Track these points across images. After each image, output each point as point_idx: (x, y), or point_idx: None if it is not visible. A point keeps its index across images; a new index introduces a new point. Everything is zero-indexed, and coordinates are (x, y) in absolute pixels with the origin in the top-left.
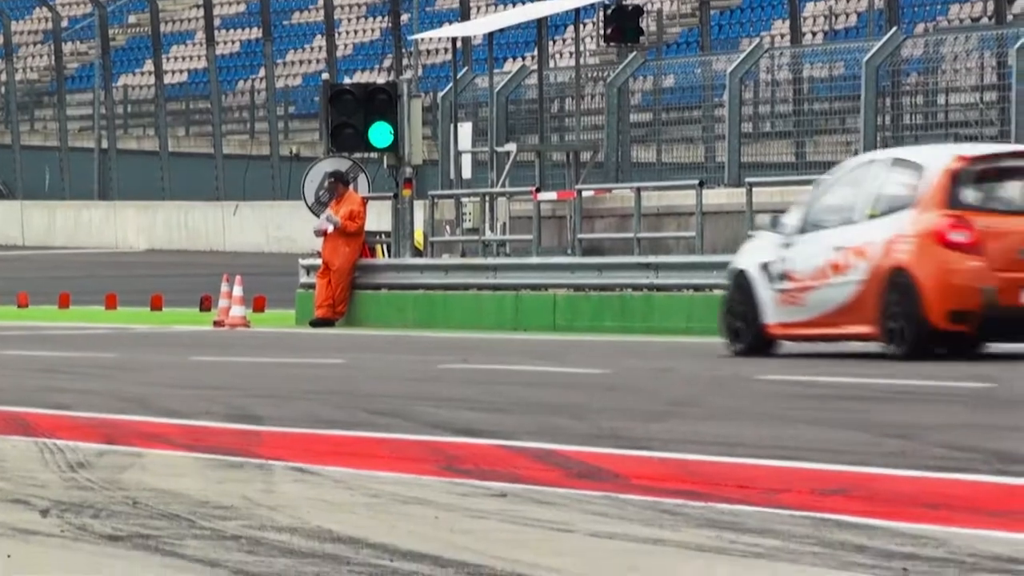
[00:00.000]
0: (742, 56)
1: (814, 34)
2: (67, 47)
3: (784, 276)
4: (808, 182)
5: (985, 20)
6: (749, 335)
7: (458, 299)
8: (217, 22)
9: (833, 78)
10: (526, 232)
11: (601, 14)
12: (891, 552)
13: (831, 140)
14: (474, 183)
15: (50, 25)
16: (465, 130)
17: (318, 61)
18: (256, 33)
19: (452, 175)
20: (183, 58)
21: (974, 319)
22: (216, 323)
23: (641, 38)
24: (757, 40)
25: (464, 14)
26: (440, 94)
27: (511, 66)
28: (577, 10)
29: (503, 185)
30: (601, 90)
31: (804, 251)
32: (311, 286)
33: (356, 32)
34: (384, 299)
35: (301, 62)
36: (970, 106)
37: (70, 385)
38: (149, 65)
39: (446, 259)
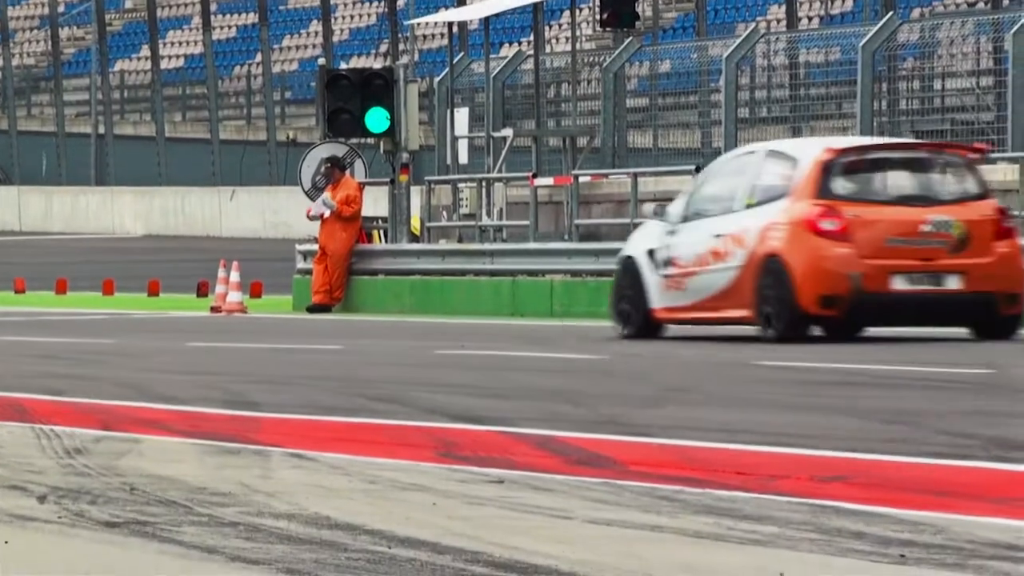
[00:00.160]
0: (738, 41)
1: (810, 19)
2: (64, 32)
3: (669, 262)
4: None
5: (981, 5)
6: (637, 319)
7: (455, 285)
8: (213, 7)
9: (829, 63)
10: (523, 218)
11: None
12: (889, 539)
13: (828, 125)
14: (471, 168)
15: (47, 10)
16: (461, 115)
17: (314, 46)
18: (252, 18)
19: (449, 160)
20: (179, 43)
21: (843, 304)
22: (213, 309)
23: (637, 23)
24: (753, 25)
25: None
26: (436, 79)
27: (507, 51)
28: None
29: (500, 170)
30: (597, 75)
31: (687, 238)
32: (308, 272)
33: (352, 17)
34: (381, 285)
35: (297, 47)
36: (966, 91)
37: (67, 371)
38: (146, 50)
39: (443, 245)
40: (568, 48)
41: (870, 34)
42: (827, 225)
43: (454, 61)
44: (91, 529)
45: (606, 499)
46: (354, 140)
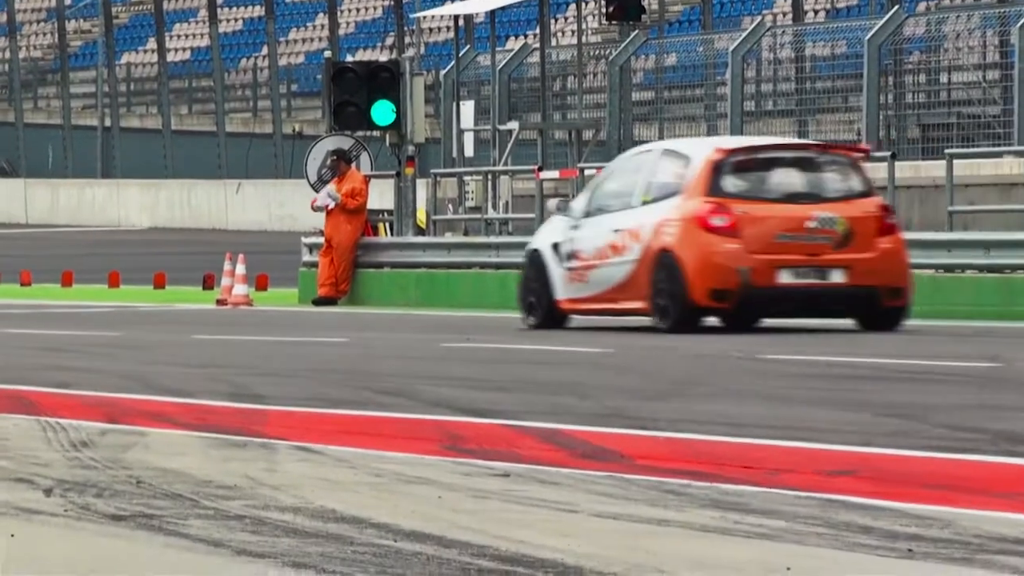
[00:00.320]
0: (744, 34)
1: (816, 12)
2: (70, 25)
3: (572, 255)
4: None
5: None
6: (542, 310)
7: (461, 277)
8: (219, 0)
9: (835, 56)
10: (528, 211)
11: None
12: (896, 533)
13: (834, 119)
14: (476, 161)
15: (53, 3)
16: (467, 108)
17: (320, 39)
18: (259, 11)
19: (454, 153)
20: (186, 36)
21: (732, 297)
22: (219, 302)
23: (643, 16)
24: (759, 18)
25: None
26: (442, 72)
27: (513, 44)
28: None
29: (505, 163)
30: (603, 68)
31: (589, 233)
32: (314, 264)
33: (358, 10)
34: (387, 278)
35: (303, 40)
36: (972, 85)
37: (73, 364)
38: (152, 43)
39: (448, 237)
40: (574, 41)
41: (876, 27)
42: (717, 221)
43: (460, 54)
44: (97, 522)
45: (612, 493)
46: (360, 133)
